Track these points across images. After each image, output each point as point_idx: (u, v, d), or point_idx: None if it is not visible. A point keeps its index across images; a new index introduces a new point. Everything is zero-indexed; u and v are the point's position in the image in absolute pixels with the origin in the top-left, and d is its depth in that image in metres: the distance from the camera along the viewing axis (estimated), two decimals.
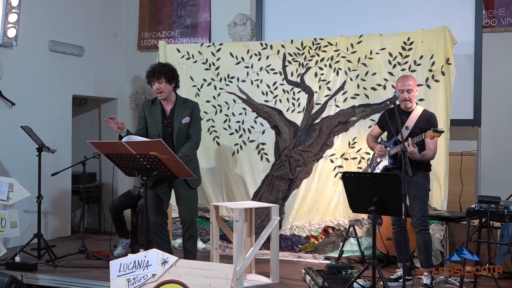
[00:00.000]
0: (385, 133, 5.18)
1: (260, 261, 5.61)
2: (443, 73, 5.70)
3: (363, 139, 5.98)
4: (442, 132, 4.62)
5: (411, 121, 4.89)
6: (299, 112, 6.25)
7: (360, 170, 5.88)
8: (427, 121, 4.86)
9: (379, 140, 5.21)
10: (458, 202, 6.06)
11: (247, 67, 6.44)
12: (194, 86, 6.58)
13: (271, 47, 6.38)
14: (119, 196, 6.12)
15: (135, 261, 3.78)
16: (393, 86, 5.86)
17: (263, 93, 6.39)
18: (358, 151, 6.01)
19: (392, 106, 4.75)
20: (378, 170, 5.02)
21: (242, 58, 6.45)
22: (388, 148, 4.98)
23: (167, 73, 4.98)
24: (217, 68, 6.52)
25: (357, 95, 6.04)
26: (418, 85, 5.28)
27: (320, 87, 6.18)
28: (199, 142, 5.10)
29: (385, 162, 4.98)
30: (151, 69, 5.03)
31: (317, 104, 6.18)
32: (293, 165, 6.22)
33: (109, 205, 6.08)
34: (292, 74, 6.29)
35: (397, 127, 4.73)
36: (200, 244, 6.14)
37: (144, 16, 7.91)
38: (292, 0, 6.96)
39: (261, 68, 6.39)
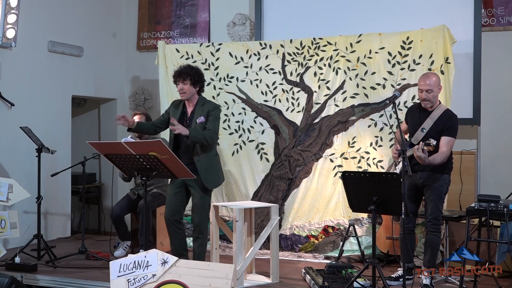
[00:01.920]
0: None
1: (260, 261, 5.61)
2: (442, 72, 5.69)
3: (362, 139, 5.99)
4: (434, 145, 4.52)
5: (428, 123, 4.79)
6: (298, 111, 6.25)
7: (360, 169, 5.89)
8: (443, 124, 4.75)
9: (406, 136, 5.15)
10: (457, 201, 6.07)
11: (246, 67, 6.44)
12: None
13: (270, 46, 6.38)
14: (119, 202, 6.07)
15: (135, 262, 3.78)
16: (392, 86, 5.87)
17: (262, 93, 6.39)
18: (357, 150, 6.01)
19: (413, 104, 4.68)
20: (397, 170, 5.01)
21: (242, 58, 6.45)
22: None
23: (193, 75, 5.03)
24: (216, 68, 6.52)
25: (357, 94, 6.04)
26: (415, 85, 5.26)
27: (319, 87, 6.18)
28: (217, 135, 5.07)
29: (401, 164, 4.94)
30: (179, 69, 5.10)
31: (317, 103, 6.18)
32: (292, 165, 6.22)
33: (109, 212, 6.06)
34: (291, 73, 6.29)
35: (415, 127, 4.71)
36: None
37: (143, 16, 7.91)
38: (291, 0, 6.96)
39: (260, 68, 6.39)
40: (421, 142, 4.64)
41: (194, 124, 5.01)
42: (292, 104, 6.28)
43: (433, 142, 4.51)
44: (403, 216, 4.25)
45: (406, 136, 5.14)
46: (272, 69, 6.36)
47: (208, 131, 4.96)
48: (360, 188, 4.35)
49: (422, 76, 4.93)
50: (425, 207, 4.88)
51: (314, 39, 6.22)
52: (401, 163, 4.92)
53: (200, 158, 4.97)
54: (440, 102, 4.93)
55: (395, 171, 5.04)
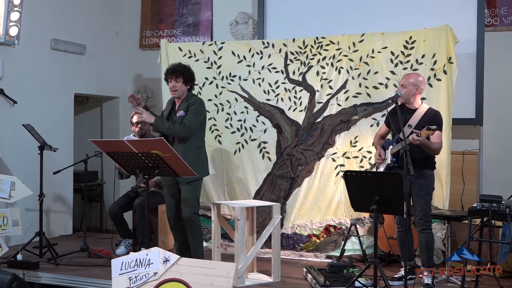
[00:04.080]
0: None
1: (262, 259, 5.61)
2: (445, 72, 5.69)
3: (364, 138, 5.99)
4: (435, 130, 4.57)
5: (415, 119, 4.88)
6: (300, 110, 6.25)
7: (362, 169, 5.89)
8: (430, 119, 4.83)
9: (385, 138, 5.21)
10: (459, 201, 6.07)
11: (249, 65, 6.44)
12: (196, 84, 6.53)
13: (273, 45, 6.37)
14: (118, 200, 6.08)
15: (136, 260, 3.78)
16: (395, 85, 5.86)
17: (264, 92, 6.38)
18: (359, 150, 6.01)
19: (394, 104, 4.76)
20: (381, 168, 5.02)
21: (244, 57, 6.45)
22: (387, 154, 4.98)
23: (186, 73, 5.11)
24: (219, 67, 6.52)
25: (359, 93, 6.03)
26: None
27: (322, 86, 6.17)
28: (188, 130, 4.97)
29: (388, 161, 4.98)
30: (171, 67, 5.17)
31: (319, 102, 6.18)
32: (294, 164, 6.22)
33: (108, 209, 6.08)
34: (294, 72, 6.29)
35: (399, 126, 4.73)
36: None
37: (146, 15, 7.91)
38: None
39: (263, 67, 6.39)
40: (415, 132, 4.66)
41: (174, 118, 5.08)
42: (295, 103, 6.28)
43: (433, 126, 4.54)
44: (405, 215, 4.25)
45: (389, 137, 5.19)
46: (274, 68, 6.36)
47: (180, 124, 4.98)
48: (362, 187, 4.35)
49: (406, 74, 5.09)
50: (414, 205, 4.88)
51: (317, 38, 6.21)
52: (386, 160, 4.97)
53: (176, 151, 4.92)
54: (422, 102, 5.00)
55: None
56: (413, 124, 4.85)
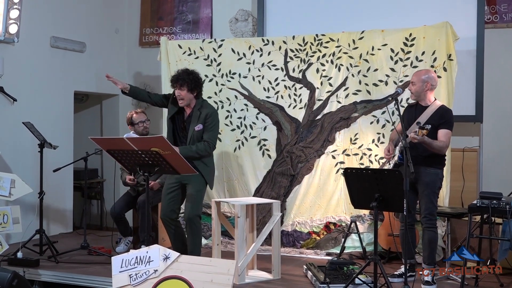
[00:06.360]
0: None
1: (262, 257, 5.61)
2: (445, 69, 5.69)
3: (364, 135, 5.99)
4: (428, 129, 4.53)
5: (424, 117, 4.83)
6: (300, 108, 6.25)
7: (362, 166, 5.89)
8: (439, 117, 4.79)
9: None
10: (460, 198, 6.07)
11: (248, 63, 6.43)
12: None
13: (273, 43, 6.37)
14: (119, 200, 6.08)
15: (137, 257, 3.79)
16: (394, 82, 5.87)
17: (264, 89, 6.38)
18: (359, 147, 6.01)
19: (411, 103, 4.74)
20: (390, 165, 5.02)
21: (244, 54, 6.45)
22: (396, 151, 4.98)
23: (190, 82, 5.02)
24: (218, 64, 6.52)
25: (359, 91, 6.03)
26: None
27: (321, 83, 6.17)
28: (213, 146, 5.09)
29: (396, 158, 4.97)
30: (176, 75, 5.10)
31: (319, 100, 6.18)
32: (294, 161, 6.22)
33: (110, 210, 6.07)
34: (293, 70, 6.29)
35: (410, 121, 4.75)
36: (202, 240, 6.14)
37: (146, 12, 7.90)
38: None
39: (262, 64, 6.39)
40: (412, 132, 4.65)
41: (192, 130, 5.04)
42: (294, 100, 6.28)
43: (427, 126, 4.52)
44: (405, 213, 4.25)
45: None
46: (274, 65, 6.35)
47: (203, 143, 5.00)
48: (362, 184, 4.35)
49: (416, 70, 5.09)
50: (420, 203, 4.88)
51: (317, 35, 6.21)
52: (393, 160, 4.96)
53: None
54: (435, 99, 4.96)
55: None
56: (422, 121, 4.79)
